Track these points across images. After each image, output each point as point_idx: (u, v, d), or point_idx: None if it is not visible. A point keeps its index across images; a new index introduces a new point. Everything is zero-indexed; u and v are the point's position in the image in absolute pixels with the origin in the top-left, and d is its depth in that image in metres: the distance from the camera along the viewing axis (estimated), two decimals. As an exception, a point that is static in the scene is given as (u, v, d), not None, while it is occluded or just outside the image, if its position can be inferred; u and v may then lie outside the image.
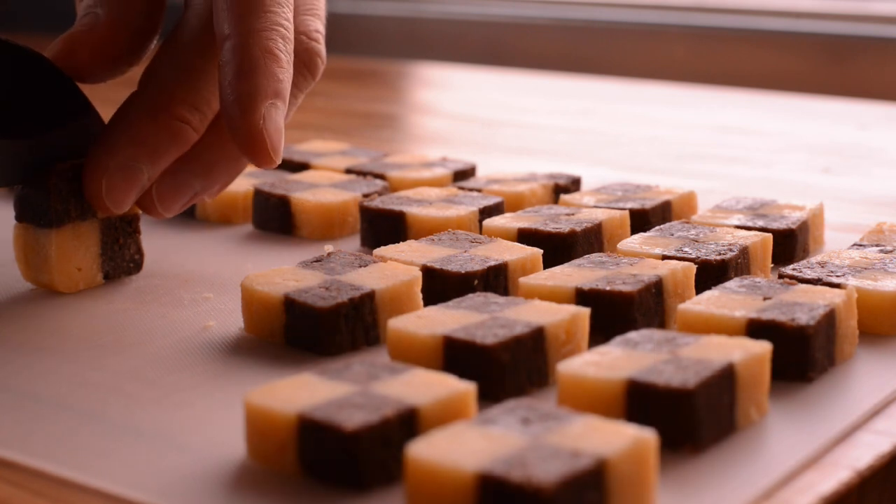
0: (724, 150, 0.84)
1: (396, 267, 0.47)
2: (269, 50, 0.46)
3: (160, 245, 0.57)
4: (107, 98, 0.51)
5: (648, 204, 0.59)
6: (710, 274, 0.49)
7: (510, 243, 0.51)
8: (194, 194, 0.51)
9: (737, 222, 0.56)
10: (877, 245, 0.52)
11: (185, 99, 0.48)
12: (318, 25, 0.52)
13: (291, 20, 0.47)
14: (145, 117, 0.48)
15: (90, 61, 0.49)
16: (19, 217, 0.51)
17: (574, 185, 0.65)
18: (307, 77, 0.51)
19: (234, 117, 0.45)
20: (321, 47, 0.52)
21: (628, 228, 0.56)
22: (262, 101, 0.45)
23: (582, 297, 0.45)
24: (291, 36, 0.47)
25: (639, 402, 0.36)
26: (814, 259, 0.50)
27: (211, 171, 0.50)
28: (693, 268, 0.48)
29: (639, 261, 0.48)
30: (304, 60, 0.51)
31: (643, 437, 0.33)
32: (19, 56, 0.49)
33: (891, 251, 0.51)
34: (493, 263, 0.49)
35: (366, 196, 0.61)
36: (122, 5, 0.50)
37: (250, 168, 0.64)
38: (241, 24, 0.46)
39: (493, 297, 0.44)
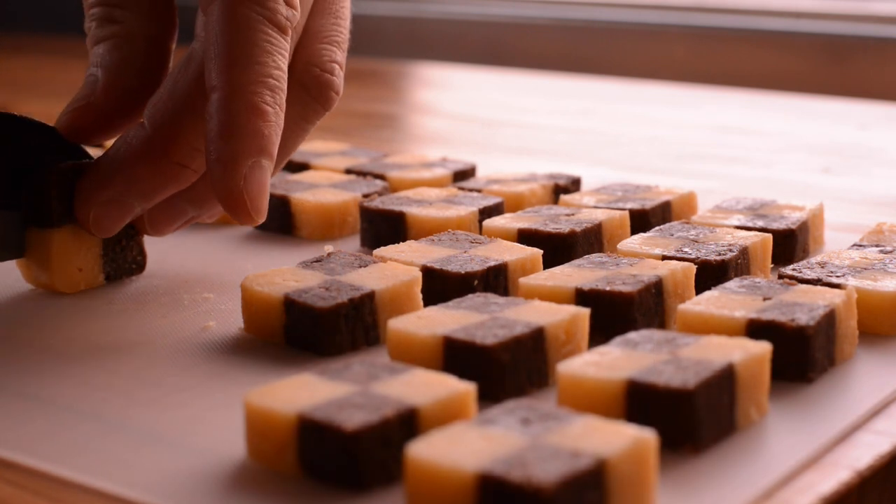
0: (724, 150, 0.84)
1: (396, 267, 0.47)
2: (255, 106, 0.44)
3: (160, 245, 0.57)
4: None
5: (648, 204, 0.59)
6: (710, 274, 0.49)
7: (510, 244, 0.51)
8: (188, 219, 0.51)
9: (737, 222, 0.56)
10: (877, 245, 0.52)
11: (186, 141, 0.47)
12: (335, 55, 0.50)
13: (285, 68, 0.46)
14: (143, 160, 0.47)
15: (92, 130, 0.50)
16: (20, 217, 0.51)
17: (574, 185, 0.65)
18: (318, 110, 0.50)
19: (216, 177, 0.44)
20: (336, 80, 0.50)
21: (628, 229, 0.56)
22: (244, 161, 0.44)
23: (582, 297, 0.45)
24: (284, 84, 0.45)
25: (639, 402, 0.36)
26: (814, 259, 0.50)
27: (206, 200, 0.50)
28: (693, 268, 0.48)
29: (639, 261, 0.48)
30: (314, 94, 0.49)
31: (643, 437, 0.33)
32: (29, 129, 0.50)
33: (891, 251, 0.51)
34: (493, 264, 0.49)
35: (366, 196, 0.61)
36: (120, 66, 0.50)
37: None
38: (228, 76, 0.44)
39: (493, 298, 0.44)
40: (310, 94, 0.49)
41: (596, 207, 0.58)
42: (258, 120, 0.44)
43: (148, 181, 0.48)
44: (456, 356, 0.40)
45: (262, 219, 0.45)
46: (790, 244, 0.54)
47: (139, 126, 0.48)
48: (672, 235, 0.53)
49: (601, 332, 0.44)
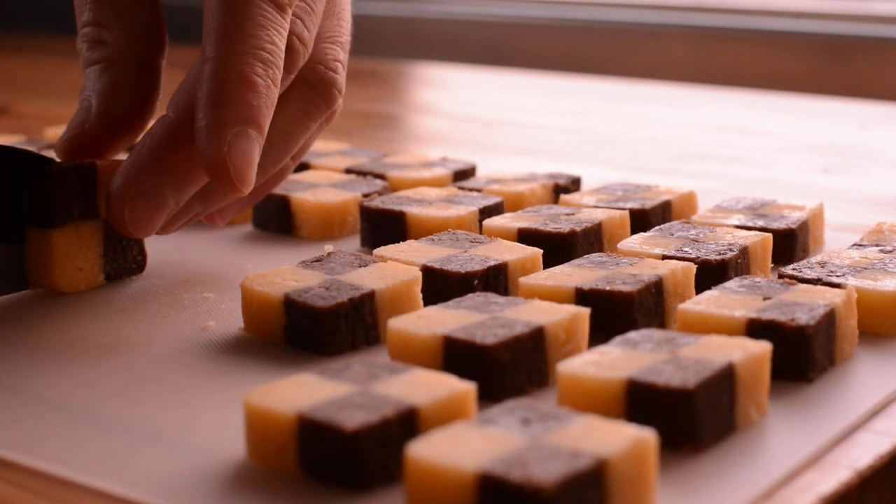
0: (724, 150, 0.84)
1: (396, 267, 0.47)
2: (244, 75, 0.44)
3: (160, 245, 0.57)
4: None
5: (648, 204, 0.59)
6: (710, 274, 0.49)
7: (510, 243, 0.51)
8: (193, 215, 0.51)
9: (737, 222, 0.56)
10: (877, 245, 0.52)
11: None
12: (338, 55, 0.51)
13: (281, 44, 0.46)
14: (170, 146, 0.47)
15: (89, 155, 0.51)
16: (20, 217, 0.51)
17: (574, 185, 0.65)
18: (321, 107, 0.50)
19: (201, 143, 0.44)
20: (339, 77, 0.51)
21: (628, 228, 0.56)
22: (229, 129, 0.44)
23: (582, 297, 0.45)
24: (279, 60, 0.46)
25: (639, 402, 0.36)
26: (814, 259, 0.50)
27: (212, 194, 0.50)
28: (693, 268, 0.48)
29: (639, 261, 0.48)
30: (318, 91, 0.50)
31: (643, 437, 0.33)
32: (29, 162, 0.50)
33: (891, 251, 0.51)
34: (493, 263, 0.49)
35: (366, 196, 0.61)
36: (112, 90, 0.51)
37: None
38: (221, 47, 0.45)
39: (493, 297, 0.44)
40: (314, 91, 0.50)
41: (596, 207, 0.58)
42: (246, 90, 0.44)
43: (177, 169, 0.47)
44: (456, 356, 0.40)
45: (247, 189, 0.45)
46: (790, 244, 0.54)
47: (164, 116, 0.48)
48: (672, 235, 0.53)
49: (601, 332, 0.44)
